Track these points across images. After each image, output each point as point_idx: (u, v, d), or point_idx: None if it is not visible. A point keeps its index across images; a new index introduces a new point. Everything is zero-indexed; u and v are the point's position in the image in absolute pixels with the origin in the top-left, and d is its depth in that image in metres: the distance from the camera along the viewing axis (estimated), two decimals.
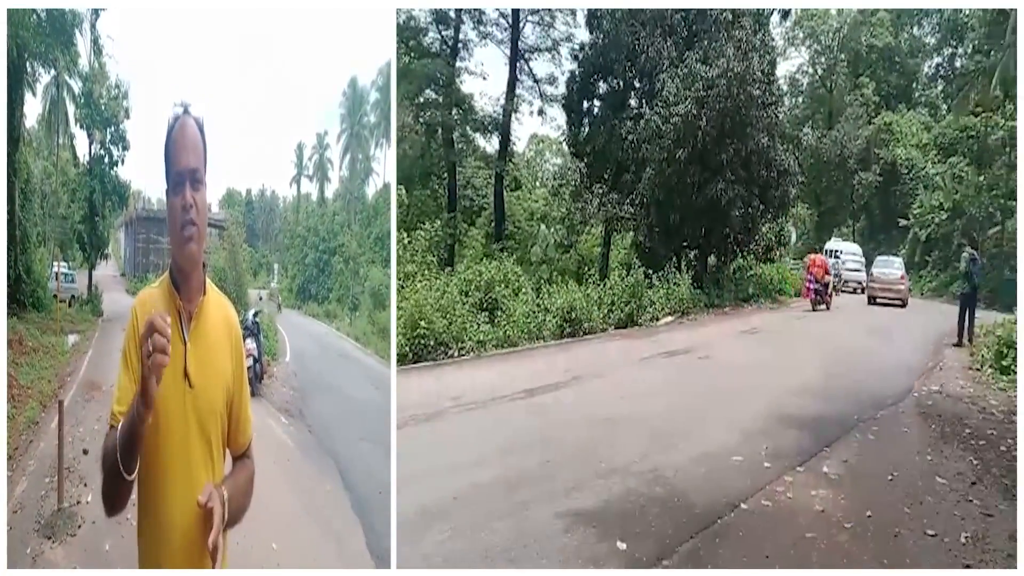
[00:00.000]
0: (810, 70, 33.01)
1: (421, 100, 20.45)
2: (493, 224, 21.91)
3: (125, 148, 17.99)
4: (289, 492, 6.04)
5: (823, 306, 15.58)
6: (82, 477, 5.96)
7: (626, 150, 16.36)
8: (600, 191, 16.99)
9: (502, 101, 20.92)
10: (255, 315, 11.59)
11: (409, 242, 11.72)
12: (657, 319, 12.63)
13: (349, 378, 13.61)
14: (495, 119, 21.14)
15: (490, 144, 22.75)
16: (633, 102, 17.79)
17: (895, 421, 6.11)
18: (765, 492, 4.30)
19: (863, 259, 23.06)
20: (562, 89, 19.91)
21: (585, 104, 18.83)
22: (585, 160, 18.47)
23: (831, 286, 15.90)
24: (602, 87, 18.57)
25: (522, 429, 5.76)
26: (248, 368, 9.40)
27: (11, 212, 13.11)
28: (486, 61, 62.25)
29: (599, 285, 12.78)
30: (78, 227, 18.64)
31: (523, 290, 11.54)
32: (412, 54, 20.13)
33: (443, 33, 20.99)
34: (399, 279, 10.29)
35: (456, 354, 8.63)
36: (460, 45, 20.99)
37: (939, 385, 7.56)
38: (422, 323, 8.47)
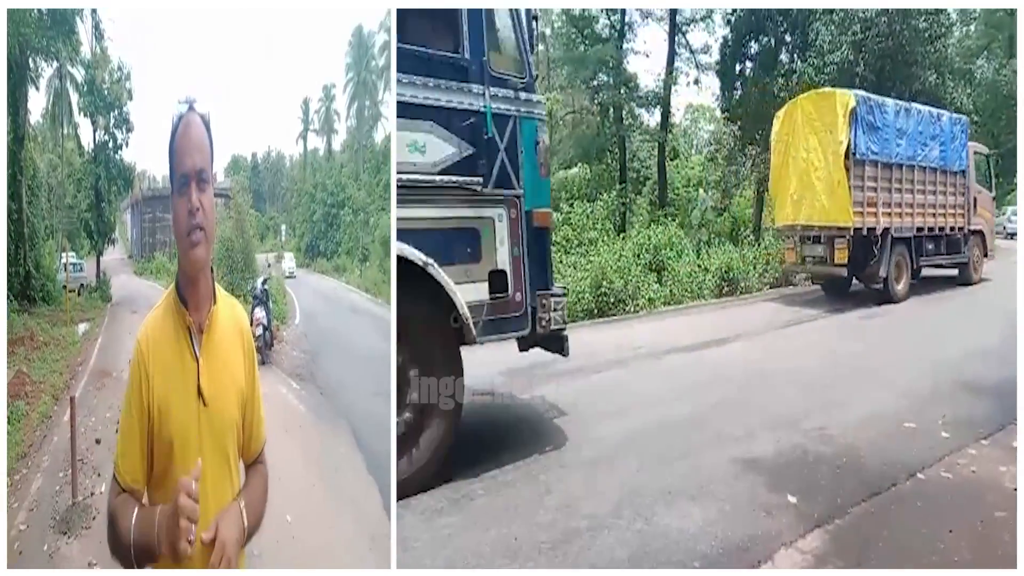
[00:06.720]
0: None
1: (595, 83, 19.50)
2: (657, 192, 20.57)
3: (129, 131, 14.60)
4: (302, 460, 5.13)
5: None
6: (95, 468, 5.09)
7: (778, 108, 14.02)
8: (753, 152, 14.87)
9: (662, 76, 19.14)
10: (264, 282, 9.76)
11: (591, 212, 11.54)
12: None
13: (360, 333, 11.18)
14: (657, 94, 19.41)
15: (652, 118, 21.16)
16: (784, 58, 15.09)
17: None
18: (944, 463, 3.52)
19: None
20: (716, 56, 17.58)
21: (737, 67, 16.43)
22: (738, 123, 16.23)
23: None
24: (753, 47, 16.01)
25: (695, 378, 5.39)
26: (258, 337, 8.16)
27: (19, 210, 11.21)
28: (648, 39, 54.98)
29: (754, 245, 11.38)
30: (85, 216, 15.30)
31: (685, 252, 10.75)
32: (586, 41, 19.13)
33: (611, 18, 19.63)
34: (584, 245, 10.18)
35: (632, 310, 8.39)
36: (626, 27, 19.35)
37: None
38: (604, 283, 8.35)
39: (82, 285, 14.52)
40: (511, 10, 3.36)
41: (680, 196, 21.41)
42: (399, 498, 3.08)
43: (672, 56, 18.95)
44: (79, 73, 14.48)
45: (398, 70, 3.00)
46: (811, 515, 3.02)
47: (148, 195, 25.10)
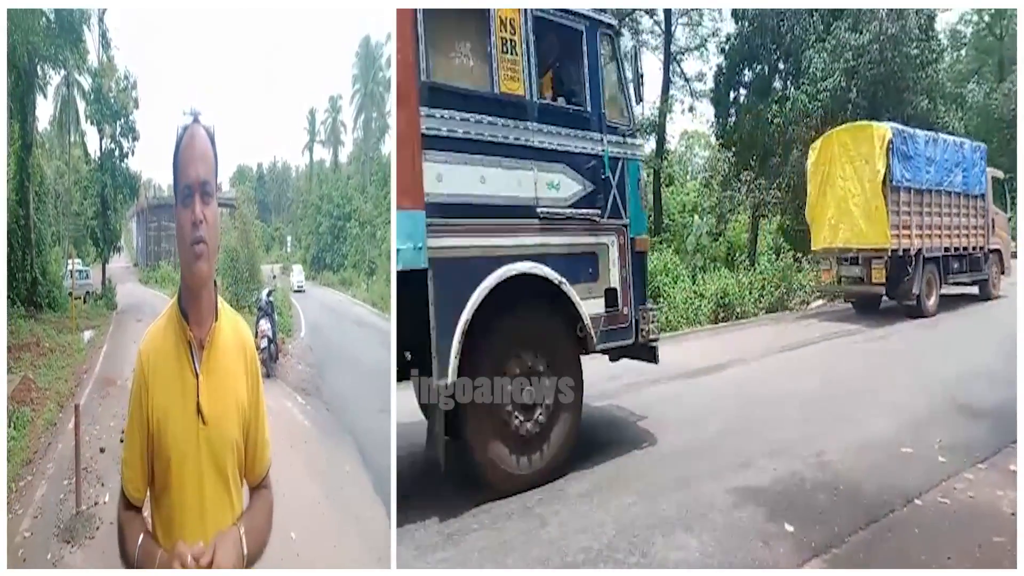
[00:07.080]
0: (975, 18, 25.21)
1: None
2: (652, 218, 20.75)
3: (135, 139, 14.55)
4: (307, 477, 5.02)
5: None
6: (99, 477, 5.02)
7: (772, 134, 14.27)
8: (748, 178, 15.06)
9: (657, 103, 19.53)
10: (269, 294, 9.61)
11: None
12: (807, 303, 10.96)
13: (367, 347, 10.83)
14: (652, 122, 19.82)
15: (648, 145, 21.49)
16: (778, 84, 15.38)
17: None
18: (941, 488, 3.50)
19: None
20: (710, 84, 18.04)
21: (732, 94, 16.73)
22: (733, 150, 16.52)
23: None
24: (747, 75, 16.34)
25: (694, 405, 5.35)
26: (262, 349, 8.07)
27: (26, 216, 11.22)
28: (643, 68, 56.00)
29: (749, 270, 11.47)
30: (91, 223, 15.26)
31: (681, 278, 10.82)
32: None
33: None
34: None
35: None
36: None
37: None
38: None
39: (88, 292, 14.30)
40: (619, 70, 4.07)
41: (675, 222, 21.60)
42: (528, 488, 3.53)
43: (667, 84, 19.44)
44: (86, 81, 14.46)
45: (539, 121, 3.53)
46: (809, 544, 3.00)
47: (154, 204, 24.95)
